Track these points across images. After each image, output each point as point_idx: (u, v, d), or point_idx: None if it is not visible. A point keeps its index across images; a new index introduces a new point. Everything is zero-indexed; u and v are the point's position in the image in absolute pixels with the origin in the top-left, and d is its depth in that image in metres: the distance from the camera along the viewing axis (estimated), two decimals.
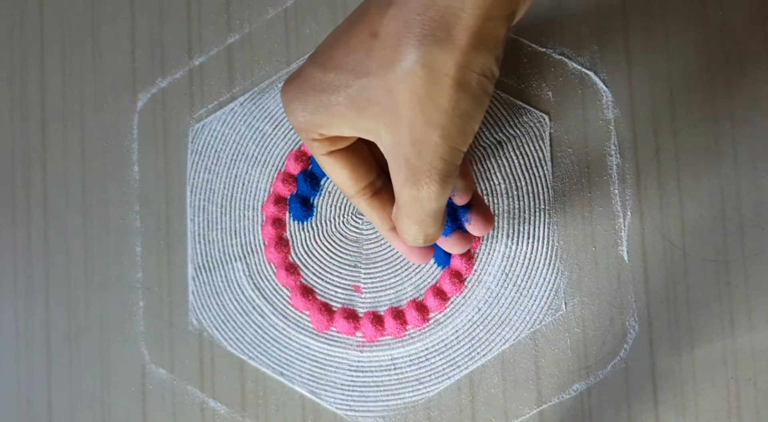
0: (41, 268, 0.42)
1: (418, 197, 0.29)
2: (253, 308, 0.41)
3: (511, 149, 0.40)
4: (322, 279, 0.40)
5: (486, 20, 0.26)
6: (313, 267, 0.40)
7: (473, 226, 0.35)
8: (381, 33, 0.27)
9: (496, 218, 0.40)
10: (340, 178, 0.32)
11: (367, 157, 0.32)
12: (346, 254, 0.40)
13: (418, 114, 0.27)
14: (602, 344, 0.39)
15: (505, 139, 0.40)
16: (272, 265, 0.41)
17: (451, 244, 0.35)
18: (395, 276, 0.40)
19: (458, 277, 0.39)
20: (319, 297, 0.40)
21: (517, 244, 0.39)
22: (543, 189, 0.40)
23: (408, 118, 0.27)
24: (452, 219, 0.35)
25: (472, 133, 0.28)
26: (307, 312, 0.40)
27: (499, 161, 0.40)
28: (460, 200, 0.34)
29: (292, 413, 0.40)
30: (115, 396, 0.41)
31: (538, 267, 0.39)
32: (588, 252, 0.39)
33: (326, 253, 0.40)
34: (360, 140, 0.32)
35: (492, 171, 0.40)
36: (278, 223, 0.41)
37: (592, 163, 0.40)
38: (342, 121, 0.29)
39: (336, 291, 0.40)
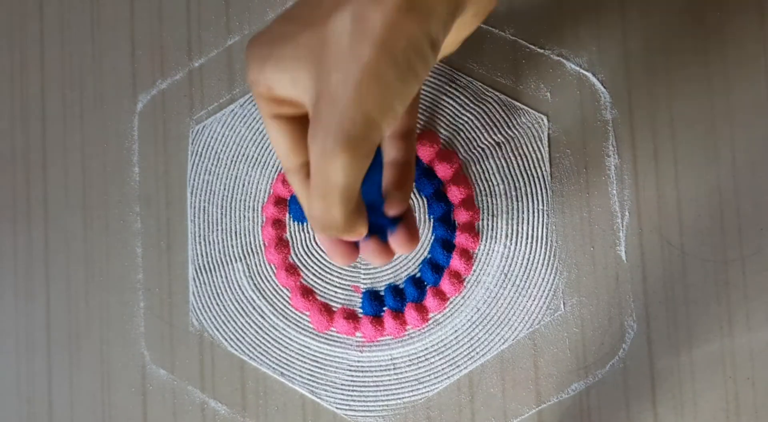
0: (42, 269, 0.42)
1: (325, 162, 0.28)
2: (254, 308, 0.41)
3: (509, 150, 0.40)
4: (322, 280, 0.40)
5: None
6: (313, 267, 0.40)
7: (395, 239, 0.33)
8: None
9: (494, 219, 0.40)
10: (280, 146, 0.31)
11: None
12: None
13: (340, 70, 0.27)
14: (601, 344, 0.39)
15: (503, 140, 0.40)
16: (272, 266, 0.41)
17: (370, 252, 0.33)
18: (395, 277, 0.40)
19: (457, 277, 0.40)
20: (319, 298, 0.40)
21: (516, 245, 0.40)
22: (541, 189, 0.40)
23: (330, 74, 0.27)
24: (377, 229, 0.33)
25: (391, 109, 0.27)
26: (307, 313, 0.40)
27: (498, 162, 0.40)
28: (391, 209, 0.33)
29: (292, 413, 0.40)
30: (115, 397, 0.41)
31: (536, 268, 0.39)
32: (586, 252, 0.39)
33: (326, 254, 0.40)
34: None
35: (490, 172, 0.40)
36: (278, 224, 0.41)
37: (590, 163, 0.40)
38: (282, 73, 0.29)
39: (336, 292, 0.40)
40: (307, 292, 0.40)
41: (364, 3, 0.26)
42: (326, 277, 0.40)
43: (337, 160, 0.27)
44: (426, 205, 0.40)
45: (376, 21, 0.26)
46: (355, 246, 0.33)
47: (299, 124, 0.31)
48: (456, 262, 0.39)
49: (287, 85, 0.29)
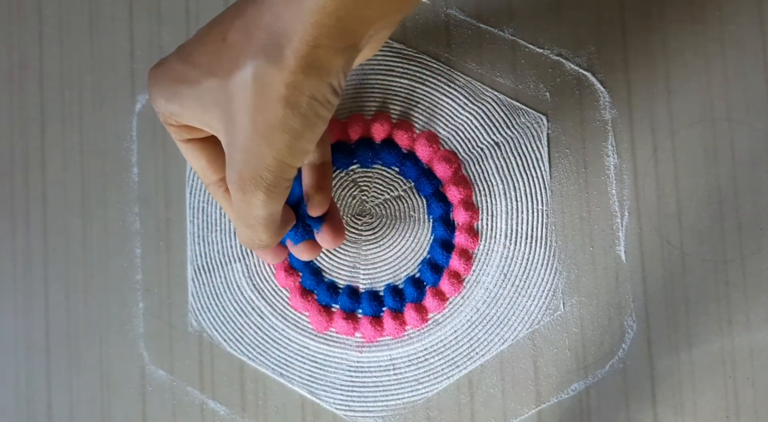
0: (41, 270, 0.42)
1: (245, 201, 0.30)
2: (253, 309, 0.41)
3: (508, 150, 0.40)
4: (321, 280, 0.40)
5: (315, 47, 0.27)
6: (312, 268, 0.40)
7: (321, 237, 0.36)
8: (228, 40, 0.28)
9: (494, 219, 0.40)
10: (197, 167, 0.33)
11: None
12: (345, 255, 0.40)
13: (248, 123, 0.28)
14: (600, 344, 0.39)
15: (502, 140, 0.40)
16: (271, 267, 0.41)
17: (299, 251, 0.36)
18: (394, 277, 0.40)
19: (457, 278, 0.40)
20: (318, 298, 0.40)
21: (516, 245, 0.40)
22: (541, 189, 0.40)
23: (240, 125, 0.28)
24: (304, 227, 0.36)
25: (303, 151, 0.29)
26: (307, 313, 0.40)
27: (497, 162, 0.40)
28: (313, 211, 0.35)
29: (291, 413, 0.40)
30: (114, 398, 0.41)
31: (536, 268, 0.39)
32: (586, 252, 0.39)
33: (325, 254, 0.40)
34: None
35: (490, 172, 0.40)
36: None
37: (589, 163, 0.40)
38: (191, 113, 0.30)
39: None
40: (306, 293, 0.40)
41: (263, 64, 0.27)
42: (325, 278, 0.40)
43: (256, 199, 0.29)
44: (425, 205, 0.40)
45: (278, 83, 0.27)
46: (283, 246, 0.36)
47: (211, 143, 0.33)
48: (455, 262, 0.39)
49: (195, 121, 0.31)
